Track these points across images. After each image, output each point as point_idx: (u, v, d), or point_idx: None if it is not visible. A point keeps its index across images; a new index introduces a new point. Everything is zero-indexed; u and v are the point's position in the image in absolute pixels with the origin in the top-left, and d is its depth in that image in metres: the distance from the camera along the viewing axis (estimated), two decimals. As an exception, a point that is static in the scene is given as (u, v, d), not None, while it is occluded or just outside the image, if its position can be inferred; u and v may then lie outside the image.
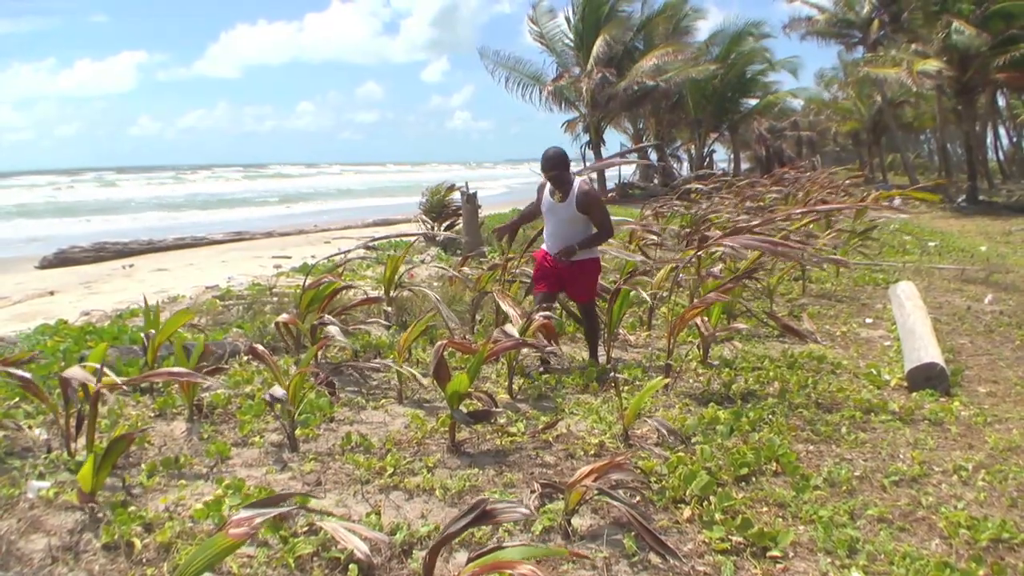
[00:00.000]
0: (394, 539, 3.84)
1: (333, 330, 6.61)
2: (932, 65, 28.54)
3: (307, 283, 7.69)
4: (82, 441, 4.90)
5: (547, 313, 6.44)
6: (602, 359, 7.26)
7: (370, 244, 14.10)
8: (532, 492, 4.39)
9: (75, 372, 4.77)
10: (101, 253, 20.59)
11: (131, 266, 18.46)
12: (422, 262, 13.20)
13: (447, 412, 5.24)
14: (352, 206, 43.51)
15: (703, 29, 43.54)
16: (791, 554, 3.81)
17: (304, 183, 76.97)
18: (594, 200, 6.89)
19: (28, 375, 5.09)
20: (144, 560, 3.69)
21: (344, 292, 8.17)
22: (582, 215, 6.78)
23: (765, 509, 4.30)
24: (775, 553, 3.78)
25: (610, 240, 7.84)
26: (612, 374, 6.33)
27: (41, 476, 4.59)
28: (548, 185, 6.91)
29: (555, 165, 6.72)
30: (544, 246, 7.09)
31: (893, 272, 12.67)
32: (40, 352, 6.70)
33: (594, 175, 35.10)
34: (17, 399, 5.84)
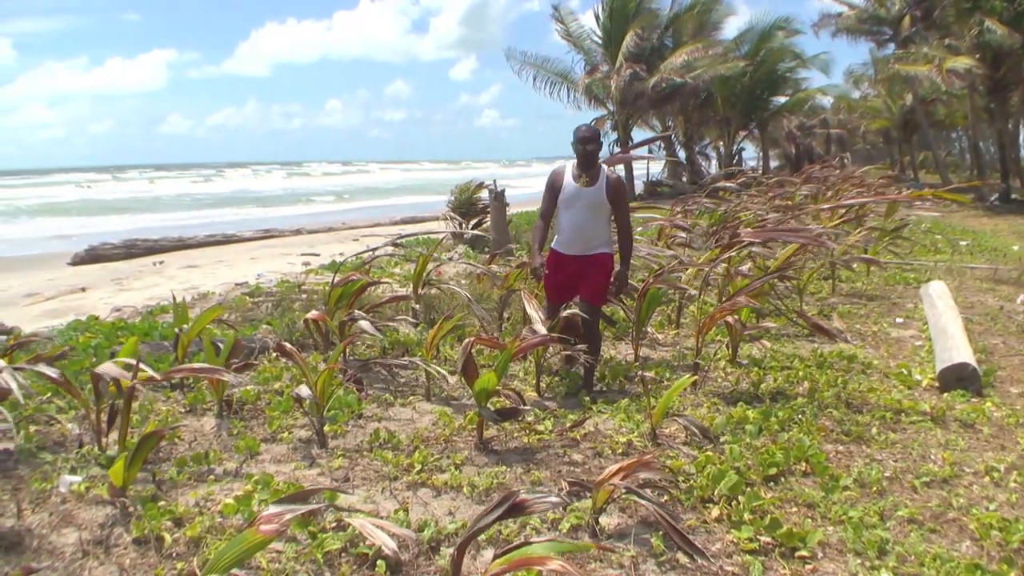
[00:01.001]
0: (422, 536, 3.85)
1: (364, 324, 6.64)
2: (962, 63, 28.21)
3: (335, 280, 7.71)
4: (113, 436, 4.96)
5: (574, 311, 6.40)
6: (616, 367, 7.21)
7: (398, 241, 14.14)
8: (560, 490, 4.40)
9: (107, 368, 4.82)
10: (132, 250, 20.77)
11: (161, 263, 18.61)
12: (450, 260, 13.23)
13: (475, 409, 5.24)
14: (382, 204, 43.66)
15: (732, 26, 43.15)
16: (820, 555, 3.79)
17: (337, 181, 77.03)
18: (624, 193, 6.49)
19: (60, 371, 5.13)
20: (174, 554, 3.72)
21: (372, 289, 8.20)
22: (608, 205, 6.30)
23: (794, 509, 4.28)
24: (804, 553, 3.76)
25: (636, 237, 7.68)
26: (640, 372, 6.31)
27: (73, 470, 4.65)
28: (568, 172, 6.34)
29: (593, 138, 6.23)
30: (555, 244, 6.51)
31: (924, 271, 12.56)
32: (72, 348, 6.78)
33: (622, 171, 35.04)
34: (49, 394, 5.91)
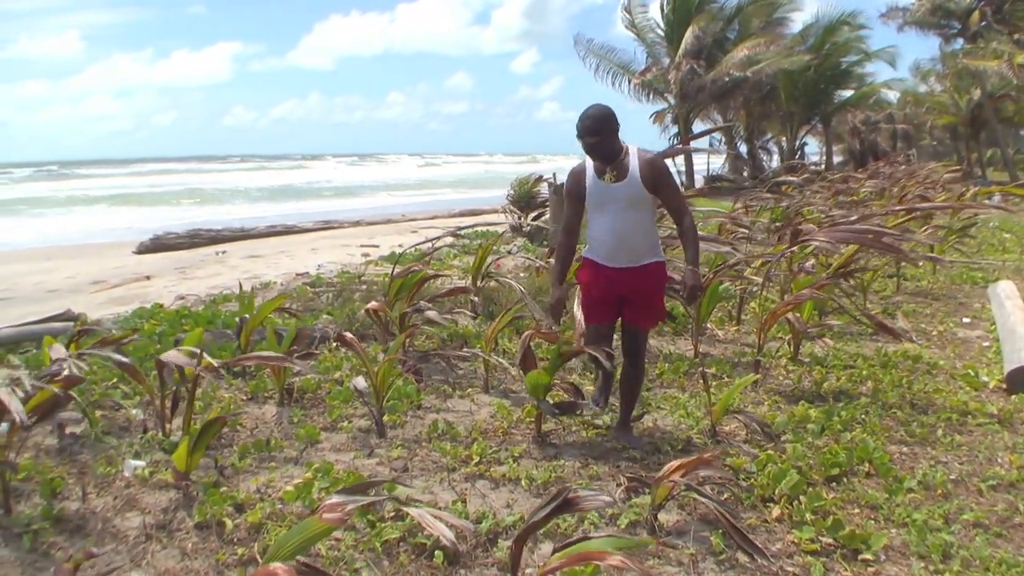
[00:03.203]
0: (480, 527, 3.87)
1: (431, 314, 6.70)
2: (1034, 58, 27.64)
3: (395, 271, 7.75)
4: (177, 422, 5.04)
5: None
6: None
7: (457, 233, 14.19)
8: (618, 485, 4.39)
9: (172, 355, 4.89)
10: (195, 239, 21.07)
11: (224, 252, 18.82)
12: (509, 252, 13.22)
13: (533, 402, 5.24)
14: (442, 197, 43.75)
15: (797, 20, 42.25)
16: (883, 557, 3.74)
17: (416, 174, 76.94)
18: (665, 174, 4.96)
19: (126, 357, 5.22)
20: (235, 540, 3.77)
21: (432, 281, 8.22)
22: (649, 196, 4.89)
23: (857, 511, 4.22)
24: (867, 556, 3.71)
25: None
26: (700, 368, 6.26)
27: (137, 455, 4.73)
28: (590, 168, 4.94)
29: (597, 128, 4.78)
30: (591, 255, 5.10)
31: (992, 270, 12.28)
32: (137, 335, 6.90)
33: (682, 167, 34.78)
34: (115, 380, 6.03)
